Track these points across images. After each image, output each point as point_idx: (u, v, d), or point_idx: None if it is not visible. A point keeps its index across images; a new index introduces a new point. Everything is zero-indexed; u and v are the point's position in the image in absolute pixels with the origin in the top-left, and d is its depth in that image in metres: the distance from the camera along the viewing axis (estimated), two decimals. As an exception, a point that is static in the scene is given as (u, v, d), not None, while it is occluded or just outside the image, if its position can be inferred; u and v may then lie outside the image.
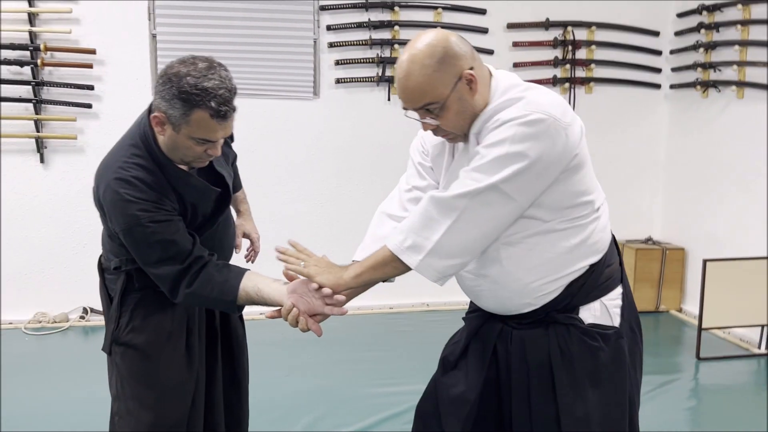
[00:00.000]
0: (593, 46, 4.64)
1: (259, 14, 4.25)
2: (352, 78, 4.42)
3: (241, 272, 1.73)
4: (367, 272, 1.61)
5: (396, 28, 4.40)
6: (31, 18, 4.02)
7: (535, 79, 4.59)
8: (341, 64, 4.39)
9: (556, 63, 4.61)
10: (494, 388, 1.67)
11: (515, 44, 4.57)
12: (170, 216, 1.67)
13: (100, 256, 1.92)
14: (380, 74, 4.41)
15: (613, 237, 1.67)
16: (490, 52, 4.53)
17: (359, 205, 4.56)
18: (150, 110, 1.67)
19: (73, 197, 4.20)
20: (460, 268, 1.53)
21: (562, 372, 1.56)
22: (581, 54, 4.66)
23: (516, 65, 4.58)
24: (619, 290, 1.62)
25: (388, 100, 4.47)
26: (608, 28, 4.66)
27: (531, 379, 1.60)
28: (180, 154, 1.67)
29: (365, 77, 4.42)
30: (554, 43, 4.59)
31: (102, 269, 1.91)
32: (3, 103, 4.05)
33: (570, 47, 4.59)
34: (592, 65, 4.66)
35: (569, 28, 4.58)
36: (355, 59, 4.40)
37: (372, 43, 4.38)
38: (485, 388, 1.67)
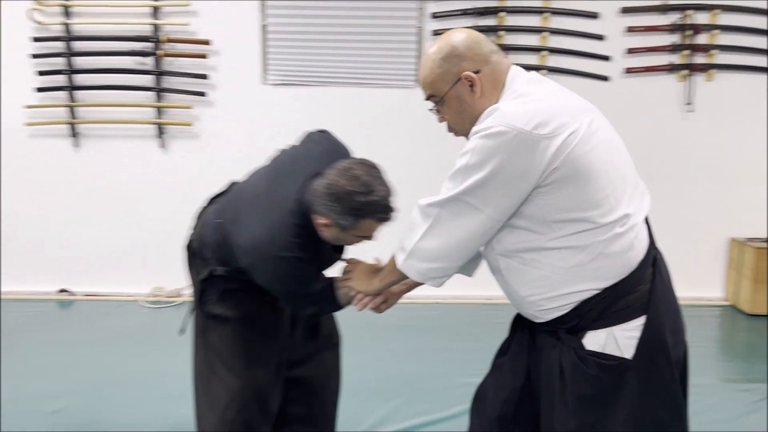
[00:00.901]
0: (716, 31, 4.33)
1: (364, 3, 4.31)
2: (455, 66, 4.39)
3: (335, 282, 1.93)
4: (386, 275, 1.75)
5: (502, 14, 4.32)
6: (154, 12, 4.30)
7: (651, 66, 4.37)
8: (445, 52, 4.37)
9: (674, 49, 4.35)
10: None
11: (629, 29, 4.34)
12: (315, 277, 1.91)
13: (191, 238, 2.06)
14: (484, 62, 4.35)
15: (654, 261, 1.53)
16: (600, 37, 4.35)
17: (459, 194, 4.54)
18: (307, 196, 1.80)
19: (189, 180, 4.47)
20: (444, 272, 1.56)
21: (557, 386, 1.53)
22: (702, 39, 4.36)
23: (630, 51, 4.36)
24: (639, 321, 1.47)
25: (492, 88, 4.40)
26: (734, 11, 4.33)
27: (541, 381, 1.61)
28: (339, 241, 1.88)
29: (469, 65, 4.38)
30: (672, 28, 4.32)
31: (191, 252, 2.05)
32: (128, 92, 4.38)
33: (690, 32, 4.31)
34: (714, 51, 4.35)
35: (689, 12, 4.30)
36: (459, 47, 4.37)
37: (477, 30, 4.31)
38: (528, 374, 1.68)
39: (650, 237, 1.56)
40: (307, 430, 2.18)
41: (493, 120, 1.41)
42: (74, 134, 4.44)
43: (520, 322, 1.75)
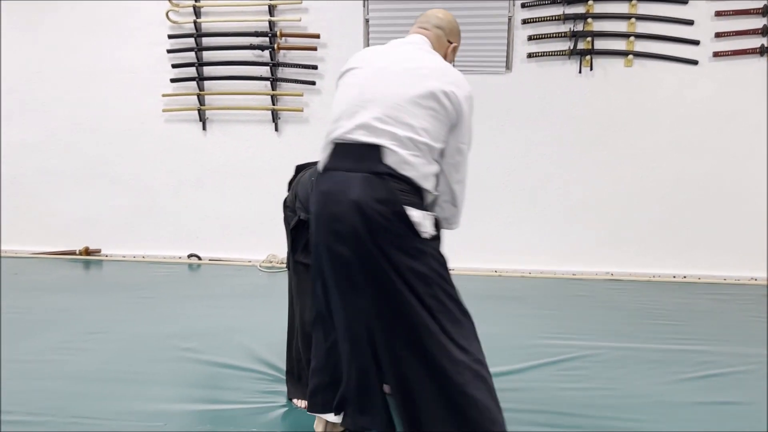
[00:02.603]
0: (811, 12, 4.32)
1: (458, -4, 4.64)
2: (544, 52, 4.63)
3: None
4: None
5: (590, 2, 4.51)
6: (271, 9, 4.85)
7: (740, 49, 4.43)
8: (534, 39, 4.62)
9: (765, 32, 4.37)
10: None
11: (718, 14, 4.42)
12: None
13: (286, 197, 2.73)
14: (572, 48, 4.57)
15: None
16: (689, 22, 4.45)
17: (545, 174, 4.79)
18: None
19: (300, 160, 4.97)
20: None
21: None
22: (796, 21, 4.36)
23: (718, 35, 4.43)
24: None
25: (579, 72, 4.61)
26: (832, -10, 4.31)
27: None
28: None
29: (557, 51, 4.61)
30: (763, 11, 4.35)
31: (285, 206, 2.73)
32: (247, 82, 4.96)
33: (782, 14, 4.32)
34: (809, 32, 4.35)
35: (782, -6, 4.32)
36: (547, 34, 4.61)
37: (565, 18, 4.54)
38: None
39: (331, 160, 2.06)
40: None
41: None
42: (202, 119, 5.09)
43: None
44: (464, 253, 4.95)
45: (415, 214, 1.96)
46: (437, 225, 2.09)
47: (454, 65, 2.21)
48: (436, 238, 2.09)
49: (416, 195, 2.00)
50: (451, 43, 2.29)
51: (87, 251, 5.40)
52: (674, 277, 4.72)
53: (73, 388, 2.87)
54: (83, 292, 4.44)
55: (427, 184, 2.02)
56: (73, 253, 5.41)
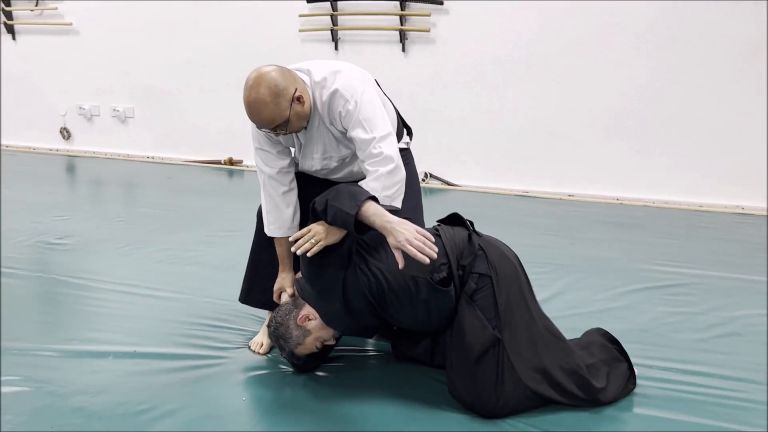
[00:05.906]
0: None
1: None
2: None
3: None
4: None
5: None
6: (404, -71, 4.91)
7: None
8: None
9: None
10: None
11: None
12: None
13: None
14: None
15: None
16: None
17: (682, 100, 4.59)
18: None
19: (426, 81, 5.13)
20: None
21: None
22: None
23: None
24: None
25: (724, -9, 4.31)
26: None
27: None
28: None
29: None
30: None
31: None
32: (377, 2, 5.10)
33: None
34: None
35: None
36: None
37: (712, -69, 4.23)
38: None
39: None
40: None
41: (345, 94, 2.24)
42: (335, 39, 5.32)
43: None
44: (584, 180, 4.92)
45: None
46: None
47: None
48: None
49: None
50: None
51: (231, 161, 5.93)
52: (814, 214, 4.44)
53: (210, 275, 3.33)
54: (226, 196, 4.95)
55: None
56: (218, 162, 5.96)
